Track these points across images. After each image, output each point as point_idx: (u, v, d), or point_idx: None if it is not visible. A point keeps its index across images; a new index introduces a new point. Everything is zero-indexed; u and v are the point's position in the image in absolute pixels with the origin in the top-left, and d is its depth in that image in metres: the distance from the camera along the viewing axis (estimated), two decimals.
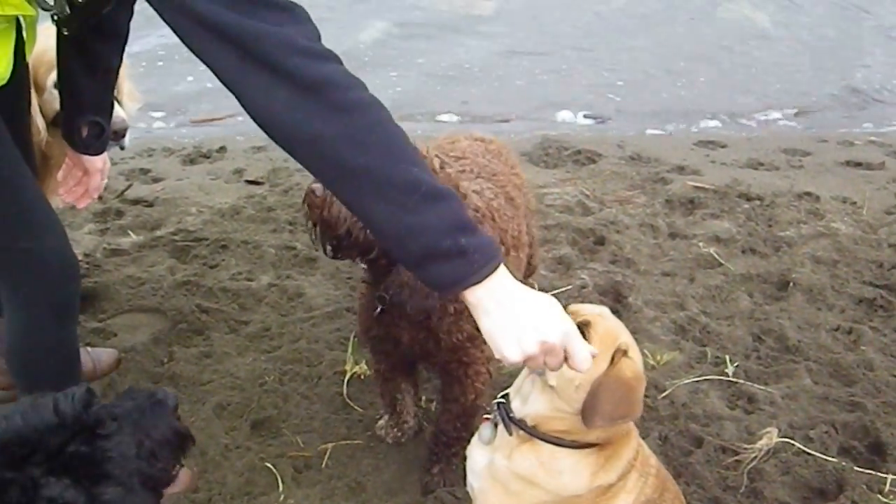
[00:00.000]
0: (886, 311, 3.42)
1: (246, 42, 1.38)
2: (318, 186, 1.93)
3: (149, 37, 6.13)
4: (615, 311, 1.78)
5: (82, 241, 3.74)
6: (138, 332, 3.17)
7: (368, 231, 1.88)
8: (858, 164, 5.12)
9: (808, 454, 2.59)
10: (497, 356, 1.49)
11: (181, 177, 4.62)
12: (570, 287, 3.46)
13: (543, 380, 1.65)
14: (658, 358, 3.00)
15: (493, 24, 8.02)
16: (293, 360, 2.98)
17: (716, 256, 3.80)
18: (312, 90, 1.40)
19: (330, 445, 2.61)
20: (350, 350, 2.95)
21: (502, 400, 1.82)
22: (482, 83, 6.65)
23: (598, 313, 1.69)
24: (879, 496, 2.45)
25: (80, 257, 3.45)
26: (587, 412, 1.62)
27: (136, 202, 4.21)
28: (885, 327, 3.31)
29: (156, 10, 1.43)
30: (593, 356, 1.54)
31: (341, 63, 1.46)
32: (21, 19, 1.86)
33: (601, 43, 7.64)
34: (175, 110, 5.84)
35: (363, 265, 2.14)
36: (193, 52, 1.43)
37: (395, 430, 2.62)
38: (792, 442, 2.63)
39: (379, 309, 2.16)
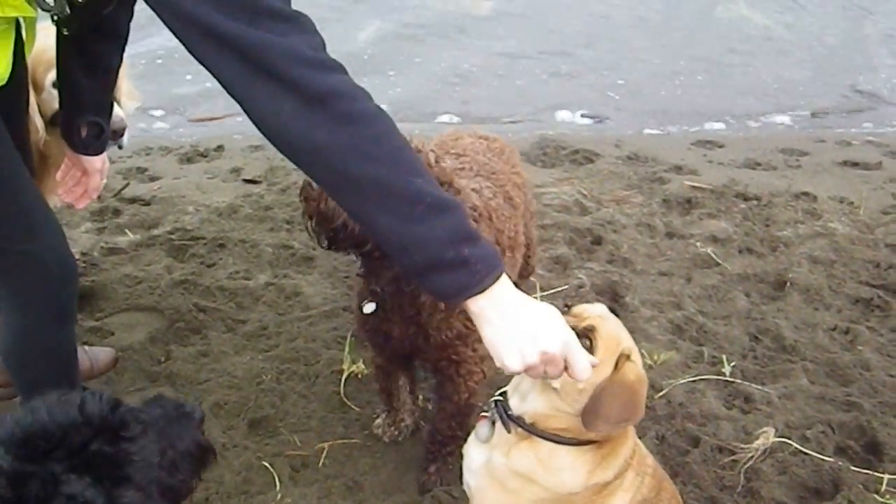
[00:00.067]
0: (883, 311, 3.43)
1: (250, 52, 1.38)
2: None
3: (152, 37, 6.11)
4: (612, 311, 1.78)
5: (79, 239, 3.75)
6: (135, 330, 3.16)
7: None
8: (856, 164, 5.13)
9: (805, 454, 2.59)
10: (498, 364, 1.52)
11: (178, 176, 4.62)
12: (567, 287, 3.46)
13: (547, 382, 1.66)
14: (655, 357, 3.00)
15: (493, 25, 8.03)
16: (290, 359, 2.98)
17: (713, 256, 3.80)
18: (318, 101, 1.40)
19: (327, 444, 2.61)
20: (347, 349, 2.95)
21: (500, 397, 1.82)
22: (482, 84, 6.65)
23: (599, 315, 1.70)
24: (876, 496, 2.45)
25: (77, 256, 3.45)
26: (590, 416, 1.62)
27: (133, 201, 4.22)
28: (881, 327, 3.32)
29: (162, 20, 1.42)
30: (593, 365, 1.56)
31: (346, 73, 1.46)
32: (21, 20, 1.85)
33: (601, 43, 7.65)
34: (173, 109, 5.84)
35: (357, 258, 2.14)
36: (199, 62, 1.43)
37: (393, 428, 2.62)
38: (788, 441, 2.63)
39: (368, 302, 2.16)
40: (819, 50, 7.72)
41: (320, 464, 2.55)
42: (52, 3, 1.79)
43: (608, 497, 1.77)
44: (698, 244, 3.91)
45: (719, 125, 6.04)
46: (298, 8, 1.46)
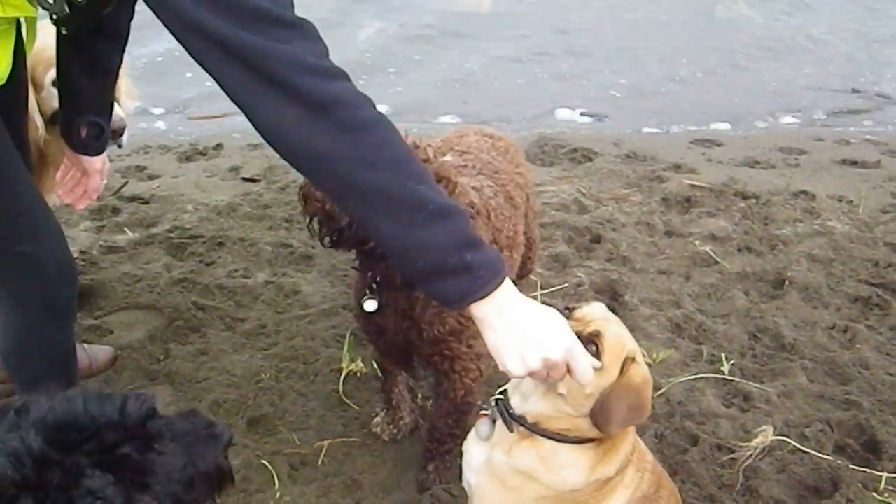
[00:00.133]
0: (882, 310, 3.43)
1: (253, 60, 1.38)
2: None
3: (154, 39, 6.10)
4: (611, 310, 1.79)
5: (78, 238, 3.74)
6: (134, 329, 3.16)
7: None
8: (854, 163, 5.12)
9: (804, 452, 2.60)
10: (501, 368, 1.55)
11: (177, 174, 4.61)
12: (566, 285, 3.46)
13: (551, 387, 1.66)
14: (654, 356, 3.00)
15: (493, 25, 8.01)
16: (289, 358, 2.98)
17: (712, 255, 3.80)
18: (321, 109, 1.41)
19: (326, 443, 2.61)
20: (346, 347, 2.95)
21: (500, 396, 1.82)
22: (483, 84, 6.64)
23: (602, 317, 1.70)
24: (875, 494, 2.46)
25: (76, 254, 3.45)
26: (602, 420, 1.65)
27: (132, 199, 4.21)
28: (880, 326, 3.32)
29: (165, 25, 1.42)
30: (596, 369, 1.58)
31: (349, 80, 1.47)
32: (21, 19, 1.84)
33: (602, 43, 7.62)
34: (173, 108, 5.83)
35: (356, 254, 2.14)
36: (203, 68, 1.43)
37: (392, 427, 2.63)
38: (787, 440, 2.63)
39: (369, 299, 2.16)
40: (824, 51, 7.69)
41: (319, 462, 2.55)
42: (52, 2, 1.78)
43: (609, 493, 1.78)
44: (697, 243, 3.91)
45: (723, 125, 6.00)
46: (300, 9, 1.46)
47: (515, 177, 2.62)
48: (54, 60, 2.13)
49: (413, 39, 7.47)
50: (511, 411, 1.77)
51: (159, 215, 4.04)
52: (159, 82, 5.93)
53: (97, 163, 2.36)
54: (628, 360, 1.65)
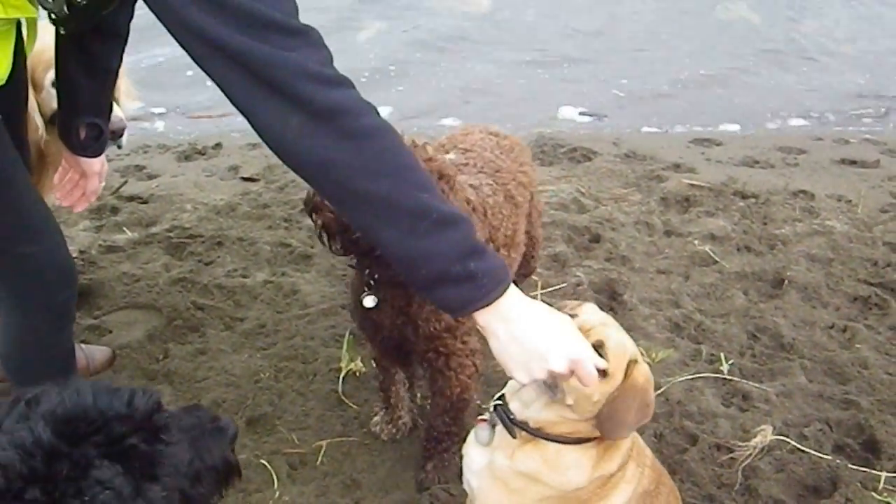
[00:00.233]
0: (881, 309, 3.43)
1: (257, 67, 1.37)
2: None
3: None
4: (610, 309, 1.80)
5: (77, 237, 3.74)
6: (133, 328, 3.16)
7: None
8: (853, 163, 5.12)
9: (803, 452, 2.60)
10: (507, 374, 1.57)
11: (176, 173, 4.61)
12: (565, 285, 3.46)
13: (559, 399, 1.67)
14: (653, 355, 3.00)
15: (494, 27, 8.00)
16: (288, 357, 2.99)
17: (711, 254, 3.80)
18: (324, 117, 1.40)
19: (325, 442, 2.61)
20: (345, 347, 2.95)
21: (499, 402, 1.82)
22: (486, 87, 6.62)
23: (602, 323, 1.71)
24: (874, 494, 2.46)
25: (75, 254, 3.45)
26: (610, 426, 1.67)
27: (131, 199, 4.21)
28: (879, 325, 3.32)
29: (169, 31, 1.42)
30: (600, 369, 1.58)
31: (353, 87, 1.46)
32: (22, 19, 1.84)
33: (603, 43, 7.62)
34: (172, 107, 5.83)
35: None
36: (207, 74, 1.43)
37: (390, 426, 2.62)
38: (786, 439, 2.63)
39: (368, 296, 2.16)
40: (826, 51, 7.68)
41: (318, 462, 2.55)
42: (51, 2, 1.78)
43: (612, 489, 1.79)
44: (696, 242, 3.91)
45: (723, 126, 5.99)
46: (304, 13, 1.45)
47: (518, 175, 2.61)
48: (54, 61, 2.13)
49: (415, 42, 7.46)
50: (511, 416, 1.77)
51: (158, 215, 4.04)
52: (159, 80, 5.93)
53: (96, 164, 2.35)
54: (631, 363, 1.67)
